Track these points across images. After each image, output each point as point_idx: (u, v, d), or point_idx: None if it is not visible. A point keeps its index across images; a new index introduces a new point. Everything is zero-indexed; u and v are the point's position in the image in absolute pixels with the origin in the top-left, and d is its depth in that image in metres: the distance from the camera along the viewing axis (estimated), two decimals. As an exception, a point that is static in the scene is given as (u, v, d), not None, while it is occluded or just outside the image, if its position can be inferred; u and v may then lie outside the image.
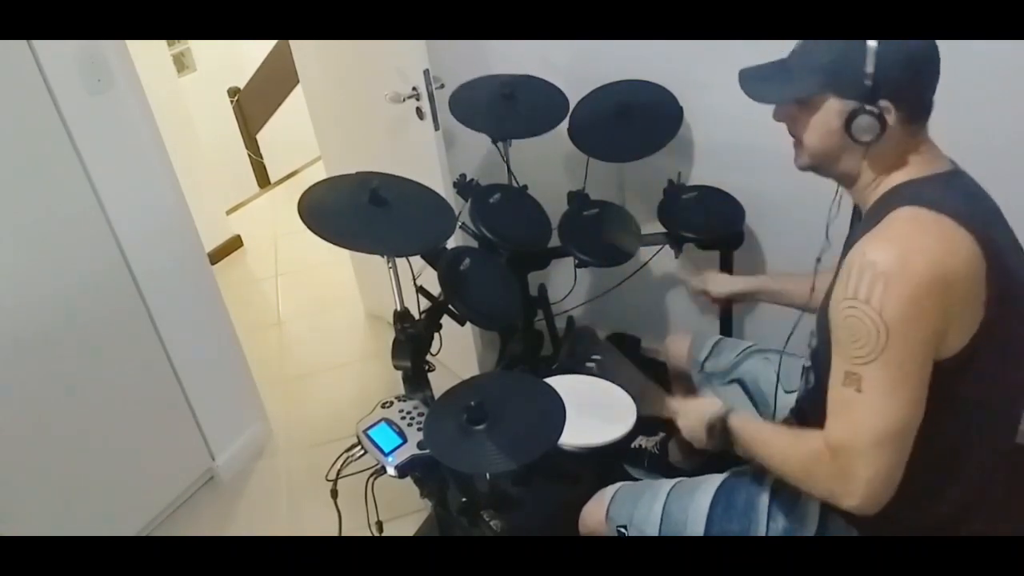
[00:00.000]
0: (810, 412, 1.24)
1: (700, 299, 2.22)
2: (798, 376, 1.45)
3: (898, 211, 0.99)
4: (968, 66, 1.46)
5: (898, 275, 0.93)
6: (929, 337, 0.95)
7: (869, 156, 1.05)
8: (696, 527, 1.27)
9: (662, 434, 1.97)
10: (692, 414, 1.27)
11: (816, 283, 1.35)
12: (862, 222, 1.08)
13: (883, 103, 1.00)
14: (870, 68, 0.99)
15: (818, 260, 1.27)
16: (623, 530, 1.33)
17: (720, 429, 1.20)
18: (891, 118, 1.01)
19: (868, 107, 1.00)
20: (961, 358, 0.98)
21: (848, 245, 1.22)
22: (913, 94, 1.02)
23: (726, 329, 2.06)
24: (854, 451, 0.97)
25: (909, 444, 0.98)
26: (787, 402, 1.43)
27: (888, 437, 0.96)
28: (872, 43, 0.98)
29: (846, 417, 0.99)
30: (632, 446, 1.98)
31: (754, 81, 1.12)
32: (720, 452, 1.49)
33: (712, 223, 1.91)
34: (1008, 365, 1.04)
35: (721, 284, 1.65)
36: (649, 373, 1.52)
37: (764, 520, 1.24)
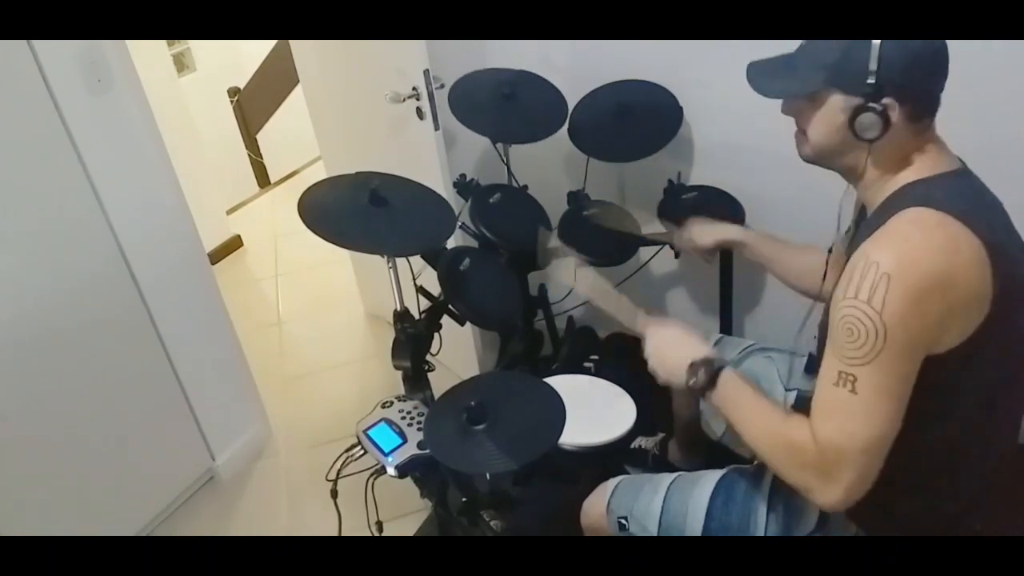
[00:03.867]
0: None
1: (700, 296, 2.24)
2: (801, 374, 1.45)
3: (903, 212, 0.98)
4: (971, 65, 1.46)
5: (899, 277, 0.92)
6: (925, 340, 0.95)
7: (874, 153, 1.05)
8: (696, 520, 1.27)
9: (662, 434, 1.97)
10: (674, 346, 1.23)
11: (809, 260, 1.37)
12: (867, 222, 1.07)
13: (887, 100, 1.00)
14: (873, 66, 0.98)
15: (829, 251, 1.27)
16: (623, 522, 1.34)
17: (705, 377, 1.14)
18: (895, 116, 1.00)
19: (871, 104, 1.00)
20: (961, 352, 0.97)
21: (852, 244, 1.22)
22: (918, 92, 1.01)
23: (727, 327, 2.06)
24: (845, 453, 0.97)
25: (889, 446, 0.98)
26: (792, 400, 1.43)
27: (879, 440, 0.97)
28: (876, 40, 0.98)
29: (840, 418, 0.98)
30: (632, 446, 1.98)
31: (761, 76, 1.12)
32: (722, 453, 1.49)
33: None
34: (1011, 362, 1.04)
35: (710, 235, 1.65)
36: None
37: (764, 514, 1.24)
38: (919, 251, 0.94)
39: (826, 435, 0.99)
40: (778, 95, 1.11)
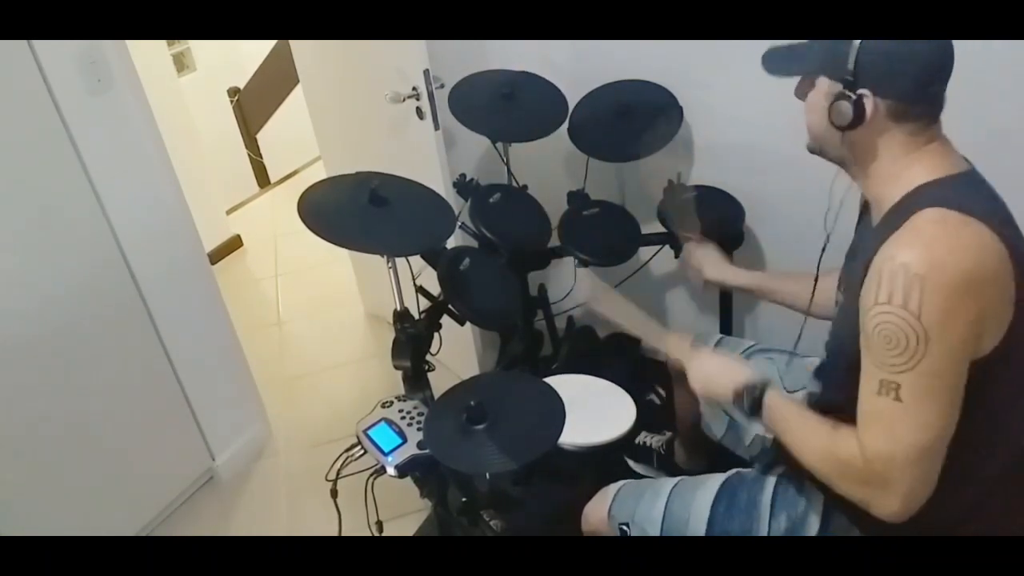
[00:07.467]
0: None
1: (700, 296, 2.24)
2: (802, 376, 1.45)
3: (923, 213, 0.96)
4: (972, 64, 1.46)
5: (934, 277, 0.90)
6: (967, 340, 0.93)
7: (861, 147, 1.05)
8: (698, 525, 1.26)
9: (668, 433, 1.97)
10: (719, 372, 1.23)
11: (819, 285, 1.34)
12: (882, 224, 1.04)
13: (862, 91, 1.00)
14: (853, 54, 1.00)
15: (819, 261, 1.26)
16: (625, 528, 1.33)
17: (752, 400, 1.14)
18: (871, 107, 1.00)
19: (847, 92, 1.01)
20: (992, 359, 0.96)
21: (856, 246, 1.21)
22: (901, 88, 1.01)
23: (726, 328, 2.06)
24: (896, 463, 0.95)
25: (944, 450, 0.96)
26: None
27: (930, 447, 0.94)
28: None
29: (886, 428, 0.96)
30: (638, 442, 1.98)
31: (772, 58, 1.13)
32: (723, 454, 1.48)
33: (712, 223, 1.91)
34: None
35: (717, 270, 1.63)
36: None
37: (766, 518, 1.23)
38: (948, 250, 0.91)
39: (873, 446, 0.96)
40: (780, 74, 1.11)
